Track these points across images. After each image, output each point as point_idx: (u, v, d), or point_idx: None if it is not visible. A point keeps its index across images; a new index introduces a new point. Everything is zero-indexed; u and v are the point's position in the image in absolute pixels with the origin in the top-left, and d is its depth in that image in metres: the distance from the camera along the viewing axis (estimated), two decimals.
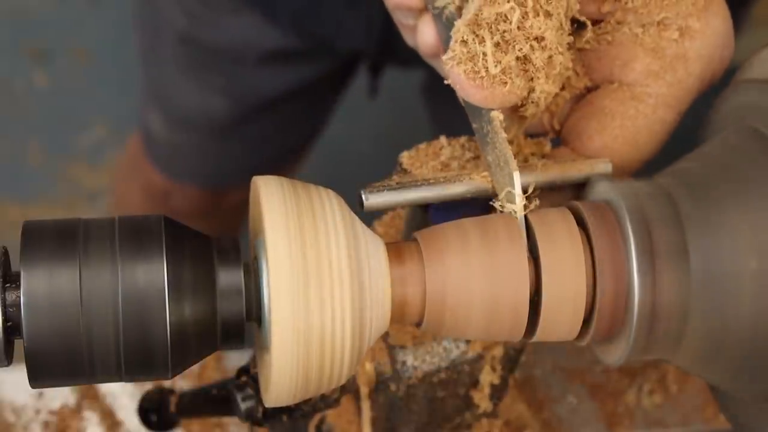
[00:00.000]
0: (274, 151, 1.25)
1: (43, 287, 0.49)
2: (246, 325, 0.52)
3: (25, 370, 0.50)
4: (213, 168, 1.26)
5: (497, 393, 0.66)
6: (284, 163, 1.29)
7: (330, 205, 0.52)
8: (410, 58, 0.95)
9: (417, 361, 0.63)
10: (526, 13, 0.53)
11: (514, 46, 0.53)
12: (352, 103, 1.35)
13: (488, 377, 0.64)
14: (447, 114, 1.21)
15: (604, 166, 0.58)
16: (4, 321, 0.49)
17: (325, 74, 1.16)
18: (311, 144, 1.32)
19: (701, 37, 0.57)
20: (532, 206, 0.53)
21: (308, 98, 1.19)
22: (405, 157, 0.60)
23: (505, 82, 0.53)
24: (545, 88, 0.54)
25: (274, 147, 1.24)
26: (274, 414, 0.63)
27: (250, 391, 0.63)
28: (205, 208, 1.28)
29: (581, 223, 0.53)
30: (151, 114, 1.24)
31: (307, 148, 1.32)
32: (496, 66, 0.52)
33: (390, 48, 1.07)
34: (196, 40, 1.13)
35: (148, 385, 0.78)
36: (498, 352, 0.64)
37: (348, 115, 1.46)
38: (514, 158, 0.54)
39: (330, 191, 0.53)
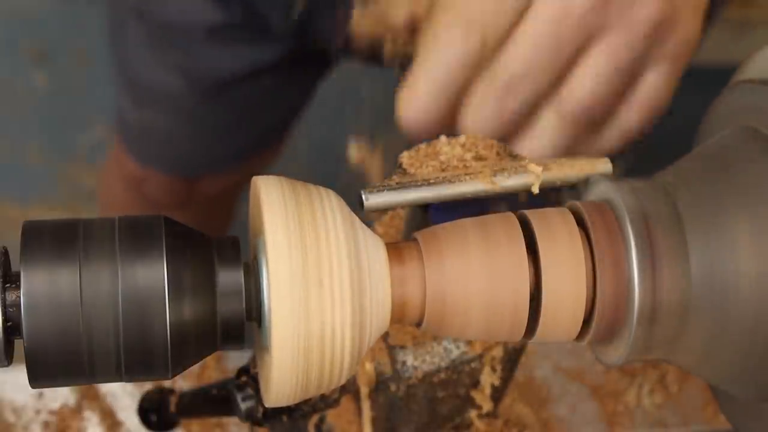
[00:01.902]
0: (246, 137, 1.24)
1: (43, 287, 0.49)
2: (246, 325, 0.52)
3: (25, 370, 0.50)
4: (184, 154, 1.25)
5: (497, 393, 0.66)
6: (260, 149, 1.28)
7: (330, 205, 0.52)
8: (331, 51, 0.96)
9: (417, 361, 0.63)
10: None
11: None
12: (352, 102, 1.35)
13: (488, 377, 0.64)
14: None
15: (605, 166, 0.58)
16: (4, 321, 0.49)
17: (286, 55, 1.14)
18: (287, 130, 1.30)
19: None
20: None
21: (273, 80, 1.17)
22: (405, 157, 0.60)
23: None
24: None
25: (245, 133, 1.23)
26: (274, 414, 0.63)
27: (250, 391, 0.63)
28: (180, 198, 1.27)
29: (581, 223, 0.53)
30: (121, 95, 1.25)
31: (283, 134, 1.31)
32: None
33: (307, 37, 1.07)
34: (149, 15, 1.13)
35: (148, 385, 0.78)
36: (498, 352, 0.64)
37: (348, 114, 1.46)
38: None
39: (330, 191, 0.53)
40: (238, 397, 0.63)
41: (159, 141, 1.24)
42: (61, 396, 0.82)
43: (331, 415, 0.67)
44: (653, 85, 0.68)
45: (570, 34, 0.64)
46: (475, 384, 0.65)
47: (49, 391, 0.82)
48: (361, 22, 0.75)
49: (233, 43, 1.12)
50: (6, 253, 0.51)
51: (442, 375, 0.63)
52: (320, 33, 1.07)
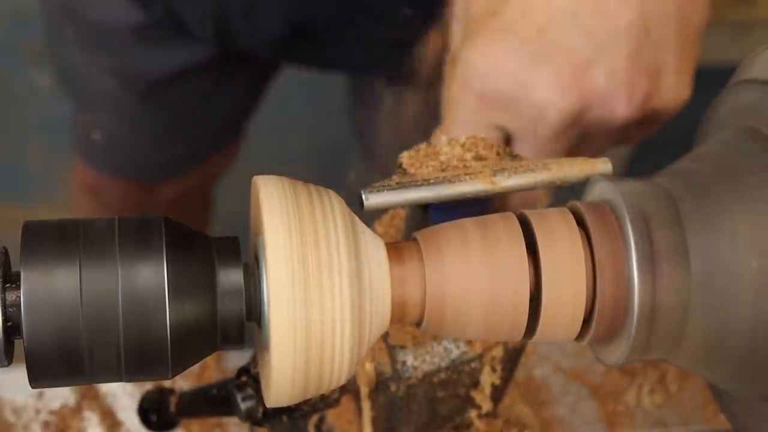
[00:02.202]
0: (195, 140, 1.22)
1: (43, 287, 0.49)
2: (246, 325, 0.52)
3: (25, 370, 0.50)
4: (134, 159, 1.24)
5: (497, 393, 0.66)
6: (212, 152, 1.27)
7: (330, 205, 0.52)
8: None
9: (417, 361, 0.63)
10: None
11: None
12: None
13: (488, 377, 0.64)
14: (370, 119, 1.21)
15: (605, 166, 0.58)
16: (4, 321, 0.49)
17: (216, 55, 1.13)
18: (238, 131, 1.29)
19: None
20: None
21: (207, 81, 1.16)
22: (405, 157, 0.60)
23: None
24: None
25: (191, 136, 1.21)
26: (274, 414, 0.63)
27: (250, 391, 0.63)
28: (140, 205, 1.26)
29: (581, 223, 0.53)
30: (66, 99, 1.24)
31: (235, 136, 1.29)
32: None
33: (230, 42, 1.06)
34: (79, 16, 1.12)
35: (148, 385, 0.78)
36: (498, 352, 0.64)
37: (347, 115, 1.46)
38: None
39: (330, 191, 0.53)
40: (238, 397, 0.63)
41: (108, 146, 1.23)
42: (61, 396, 0.82)
43: (331, 415, 0.67)
44: (640, 137, 0.69)
45: (553, 148, 0.65)
46: (475, 384, 0.65)
47: (49, 391, 0.82)
48: (433, 47, 0.76)
49: (160, 43, 1.10)
50: (6, 253, 0.51)
51: (442, 375, 0.63)
52: (242, 36, 1.06)
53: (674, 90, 0.65)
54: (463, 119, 0.64)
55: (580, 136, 0.65)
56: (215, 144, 1.27)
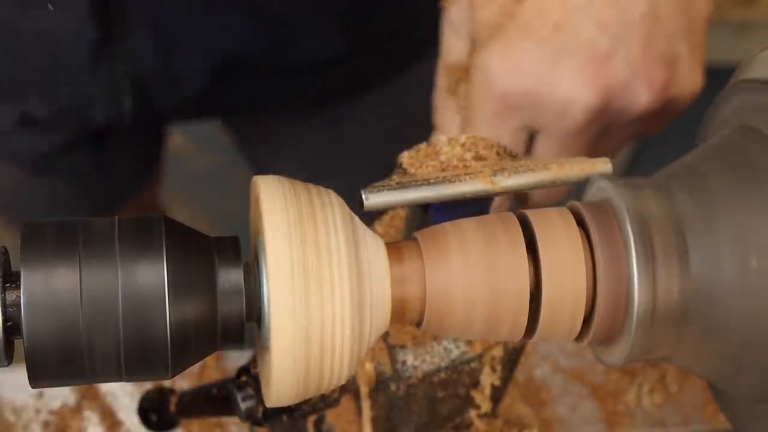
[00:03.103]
0: (99, 199, 1.19)
1: (43, 287, 0.49)
2: (246, 325, 0.52)
3: (25, 370, 0.50)
4: (42, 213, 1.20)
5: (497, 393, 0.66)
6: (124, 201, 1.22)
7: (330, 205, 0.52)
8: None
9: (417, 361, 0.63)
10: None
11: None
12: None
13: (488, 377, 0.64)
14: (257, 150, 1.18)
15: (605, 166, 0.58)
16: (4, 321, 0.49)
17: (82, 135, 1.07)
18: (148, 177, 1.25)
19: None
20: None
21: (92, 153, 1.10)
22: (405, 157, 0.60)
23: None
24: None
25: (95, 196, 1.18)
26: (274, 414, 0.63)
27: (250, 391, 0.63)
28: None
29: (581, 223, 0.53)
30: None
31: (144, 182, 1.25)
32: None
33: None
34: None
35: (148, 385, 0.78)
36: (498, 352, 0.64)
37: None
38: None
39: (330, 191, 0.53)
40: (238, 397, 0.63)
41: (9, 208, 1.21)
42: (61, 396, 0.82)
43: (331, 415, 0.67)
44: (658, 128, 0.69)
45: (578, 143, 0.65)
46: (475, 384, 0.65)
47: (49, 391, 0.82)
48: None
49: (43, 130, 1.04)
50: (6, 253, 0.51)
51: (442, 375, 0.63)
52: (161, 99, 1.00)
53: (690, 77, 0.66)
54: (487, 123, 0.64)
55: (603, 130, 0.65)
56: (122, 197, 1.23)
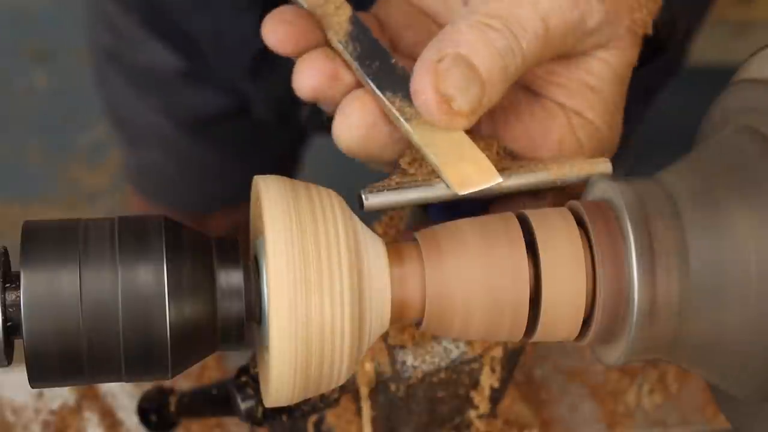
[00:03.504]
0: (247, 174, 1.22)
1: (43, 287, 0.49)
2: (246, 325, 0.52)
3: (25, 370, 0.50)
4: (187, 192, 1.24)
5: (497, 393, 0.66)
6: None
7: (330, 205, 0.52)
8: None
9: (417, 361, 0.63)
10: None
11: None
12: None
13: (488, 378, 0.64)
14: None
15: (605, 166, 0.58)
16: (4, 321, 0.49)
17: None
18: (292, 164, 1.28)
19: None
20: None
21: (258, 118, 1.14)
22: (405, 158, 0.60)
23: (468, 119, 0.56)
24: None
25: (242, 171, 1.21)
26: (273, 414, 0.63)
27: (250, 391, 0.63)
28: None
29: (581, 223, 0.53)
30: (115, 137, 1.25)
31: (289, 168, 1.28)
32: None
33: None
34: (125, 59, 1.12)
35: (148, 385, 0.78)
36: (498, 352, 0.64)
37: None
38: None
39: (330, 191, 0.53)
40: (238, 397, 0.63)
41: (160, 179, 1.23)
42: (61, 396, 0.82)
43: (331, 415, 0.67)
44: None
45: None
46: (475, 384, 0.65)
47: (49, 391, 0.82)
48: None
49: (207, 85, 1.10)
50: (6, 253, 0.51)
51: (442, 375, 0.63)
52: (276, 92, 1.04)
53: None
54: None
55: None
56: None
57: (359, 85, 0.59)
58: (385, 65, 0.59)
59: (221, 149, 1.18)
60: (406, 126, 0.57)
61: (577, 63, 0.60)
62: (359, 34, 0.60)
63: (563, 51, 0.58)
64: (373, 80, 0.58)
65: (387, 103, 0.58)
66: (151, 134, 1.18)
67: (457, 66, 0.55)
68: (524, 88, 0.61)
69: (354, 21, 0.60)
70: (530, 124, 0.60)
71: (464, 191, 0.56)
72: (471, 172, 0.57)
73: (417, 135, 0.57)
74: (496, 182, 0.57)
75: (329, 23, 0.60)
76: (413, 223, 0.62)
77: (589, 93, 0.60)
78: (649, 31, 0.60)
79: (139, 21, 1.07)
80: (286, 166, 1.28)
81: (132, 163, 1.26)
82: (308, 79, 0.59)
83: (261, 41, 0.94)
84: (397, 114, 0.57)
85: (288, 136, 1.22)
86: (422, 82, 0.55)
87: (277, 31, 0.60)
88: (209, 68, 1.06)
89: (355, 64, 0.59)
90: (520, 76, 0.57)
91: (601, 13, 0.58)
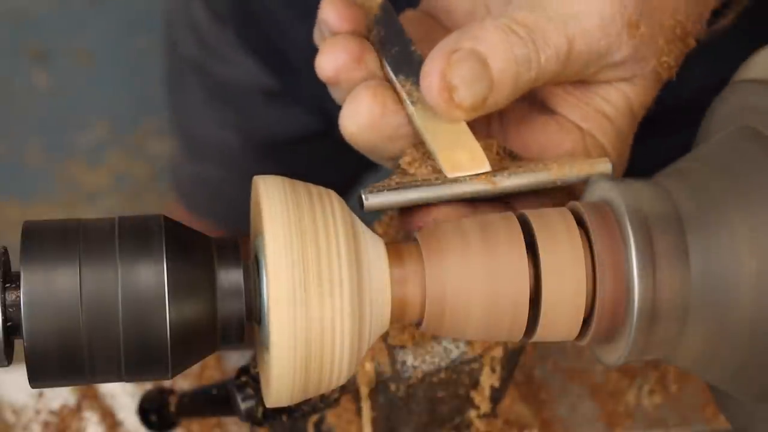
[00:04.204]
0: None
1: (43, 287, 0.49)
2: (246, 325, 0.52)
3: (25, 370, 0.50)
4: (236, 210, 1.24)
5: (497, 393, 0.66)
6: None
7: (330, 205, 0.52)
8: None
9: (417, 361, 0.63)
10: None
11: None
12: None
13: (488, 378, 0.64)
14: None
15: (605, 166, 0.58)
16: (4, 321, 0.49)
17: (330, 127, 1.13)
18: (343, 191, 1.29)
19: None
20: None
21: (326, 146, 1.12)
22: (405, 157, 0.60)
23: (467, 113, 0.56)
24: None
25: None
26: (273, 414, 0.63)
27: (250, 391, 0.63)
28: None
29: (581, 223, 0.53)
30: (177, 149, 1.23)
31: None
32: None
33: None
34: (208, 71, 1.11)
35: (148, 385, 0.78)
36: (498, 352, 0.64)
37: None
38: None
39: (330, 191, 0.53)
40: (238, 397, 0.63)
41: (211, 195, 1.23)
42: (61, 396, 0.82)
43: (331, 415, 0.67)
44: None
45: None
46: (475, 384, 0.65)
47: (49, 391, 0.82)
48: None
49: (289, 107, 1.10)
50: (6, 253, 0.51)
51: (442, 375, 0.63)
52: None
53: None
54: None
55: None
56: None
57: (376, 76, 0.60)
58: (405, 52, 0.60)
59: (281, 172, 1.17)
60: (411, 108, 0.58)
61: (596, 89, 0.59)
62: (387, 21, 0.61)
63: (583, 76, 0.58)
64: (389, 63, 0.60)
65: (398, 85, 0.59)
66: (217, 150, 1.17)
67: (470, 60, 0.55)
68: (540, 102, 0.61)
69: (384, 7, 0.62)
70: (541, 136, 0.60)
71: (454, 174, 0.57)
72: (464, 159, 0.57)
73: (419, 119, 0.58)
74: (485, 170, 0.57)
75: (362, 6, 0.62)
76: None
77: (604, 120, 0.60)
78: (673, 76, 0.59)
79: (233, 34, 1.06)
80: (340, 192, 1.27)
81: (186, 176, 1.25)
82: (333, 60, 0.59)
83: None
84: (405, 96, 0.58)
85: (350, 159, 1.21)
86: (432, 66, 0.55)
87: (336, 7, 0.61)
88: (297, 87, 1.05)
89: (376, 46, 0.60)
90: (532, 89, 0.57)
91: (630, 48, 0.57)
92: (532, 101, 0.61)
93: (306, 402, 0.63)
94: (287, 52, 1.00)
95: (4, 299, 0.49)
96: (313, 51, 0.87)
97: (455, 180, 0.57)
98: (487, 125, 0.61)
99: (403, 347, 0.63)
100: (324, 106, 1.02)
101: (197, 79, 1.14)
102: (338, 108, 0.98)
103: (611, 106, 0.59)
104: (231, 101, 1.13)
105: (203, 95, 1.14)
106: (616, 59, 0.57)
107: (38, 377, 0.50)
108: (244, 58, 1.07)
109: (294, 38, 0.96)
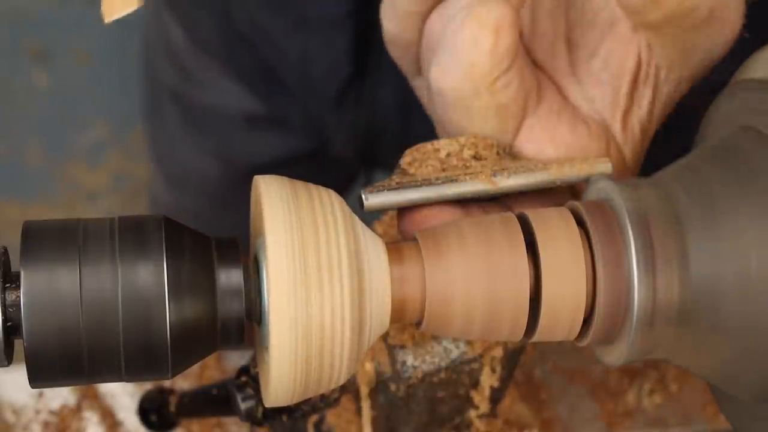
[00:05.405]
0: None
1: (43, 287, 0.49)
2: (246, 325, 0.52)
3: (25, 370, 0.50)
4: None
5: (497, 393, 0.66)
6: None
7: (330, 205, 0.52)
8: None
9: (417, 361, 0.63)
10: None
11: None
12: None
13: (488, 378, 0.64)
14: None
15: (604, 166, 0.58)
16: (4, 321, 0.49)
17: (319, 148, 1.10)
18: None
19: None
20: None
21: (307, 169, 1.12)
22: (405, 157, 0.60)
23: None
24: None
25: None
26: (273, 414, 0.63)
27: (250, 391, 0.63)
28: None
29: (581, 223, 0.53)
30: (155, 177, 1.22)
31: None
32: None
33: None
34: (186, 99, 1.10)
35: (148, 385, 0.78)
36: (498, 352, 0.64)
37: None
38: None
39: (330, 191, 0.53)
40: (238, 397, 0.63)
41: (194, 223, 1.22)
42: (61, 396, 0.82)
43: (331, 415, 0.67)
44: None
45: None
46: (475, 384, 0.65)
47: (49, 391, 0.82)
48: None
49: (271, 131, 1.08)
50: (6, 253, 0.51)
51: (442, 375, 0.63)
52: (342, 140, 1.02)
53: None
54: None
55: None
56: None
57: None
58: None
59: None
60: None
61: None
62: None
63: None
64: None
65: None
66: (195, 177, 1.16)
67: None
68: (573, 108, 0.61)
69: None
70: (570, 137, 0.59)
71: (109, 19, 0.56)
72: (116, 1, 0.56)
73: None
74: (137, 7, 0.56)
75: None
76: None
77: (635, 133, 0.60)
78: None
79: (216, 60, 1.04)
80: None
81: (164, 202, 1.24)
82: None
83: (349, 65, 0.92)
84: None
85: (338, 179, 1.18)
86: None
87: None
88: (285, 108, 1.03)
89: None
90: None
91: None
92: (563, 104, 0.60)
93: (306, 402, 0.63)
94: (276, 69, 0.98)
95: (4, 299, 0.49)
96: (307, 64, 0.86)
97: (455, 180, 0.57)
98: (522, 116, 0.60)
99: (403, 347, 0.63)
100: (316, 124, 1.02)
101: (176, 108, 1.12)
102: (334, 125, 0.96)
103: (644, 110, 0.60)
104: (211, 129, 1.10)
105: (182, 122, 1.12)
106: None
107: (38, 377, 0.50)
108: (227, 83, 1.05)
109: (286, 51, 0.94)
